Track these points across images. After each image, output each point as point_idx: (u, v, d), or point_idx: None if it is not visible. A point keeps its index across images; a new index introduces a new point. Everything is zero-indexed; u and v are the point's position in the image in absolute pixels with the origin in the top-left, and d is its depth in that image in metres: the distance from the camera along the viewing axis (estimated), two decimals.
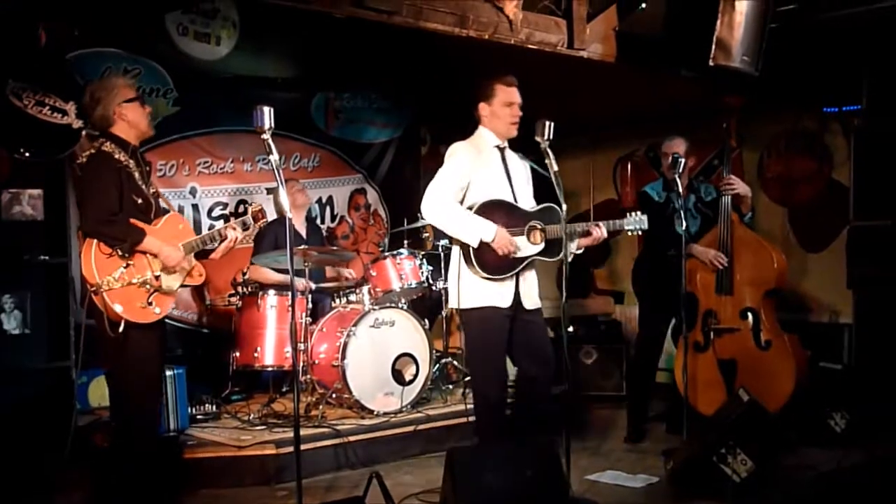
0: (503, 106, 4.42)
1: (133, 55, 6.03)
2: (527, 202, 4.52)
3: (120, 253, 3.81)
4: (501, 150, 4.52)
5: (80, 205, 4.01)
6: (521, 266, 4.39)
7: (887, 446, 5.03)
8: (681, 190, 5.19)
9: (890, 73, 5.81)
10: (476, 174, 4.39)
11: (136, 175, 3.97)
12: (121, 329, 3.79)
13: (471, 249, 4.29)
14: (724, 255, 5.34)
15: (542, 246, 4.40)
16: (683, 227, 5.07)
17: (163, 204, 4.18)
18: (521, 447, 4.08)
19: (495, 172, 4.45)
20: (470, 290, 4.37)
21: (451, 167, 4.39)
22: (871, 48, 5.65)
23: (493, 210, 4.33)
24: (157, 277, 3.90)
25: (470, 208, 4.32)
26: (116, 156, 3.91)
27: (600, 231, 4.50)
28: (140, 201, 3.94)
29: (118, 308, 3.78)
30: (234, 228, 4.25)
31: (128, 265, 3.84)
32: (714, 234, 5.43)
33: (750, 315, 5.32)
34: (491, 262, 4.31)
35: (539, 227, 4.41)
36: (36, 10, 4.93)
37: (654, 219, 4.80)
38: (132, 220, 3.86)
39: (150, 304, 3.88)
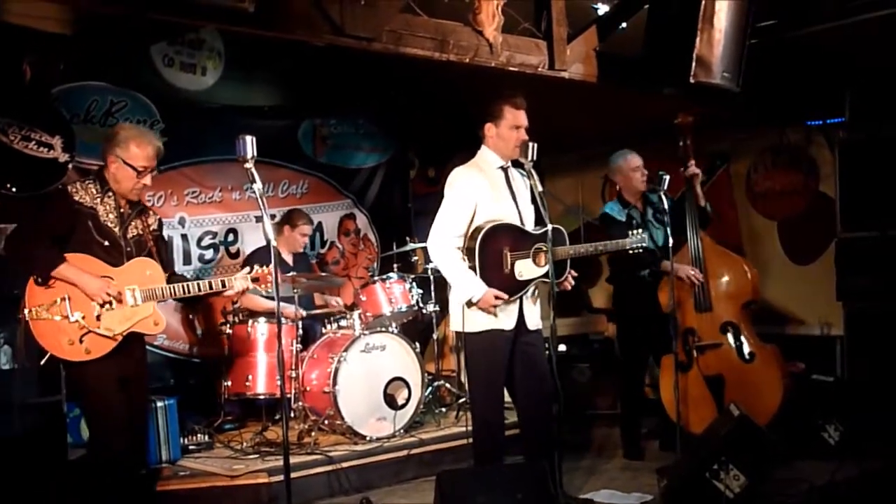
0: (510, 128, 4.36)
1: (119, 88, 6.05)
2: (531, 222, 4.47)
3: (35, 278, 3.77)
4: (505, 170, 4.48)
5: None
6: (527, 288, 4.36)
7: (881, 458, 5.02)
8: (665, 205, 5.06)
9: (871, 83, 5.85)
10: (481, 197, 4.34)
11: (111, 217, 3.97)
12: (42, 362, 3.76)
13: (476, 272, 4.25)
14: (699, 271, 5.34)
15: (546, 268, 4.32)
16: (671, 241, 5.03)
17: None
18: (510, 470, 4.06)
19: (501, 194, 4.41)
20: (475, 313, 4.31)
21: (451, 201, 4.36)
22: (852, 60, 5.69)
23: (499, 234, 4.30)
24: (97, 318, 3.82)
25: (477, 230, 4.29)
26: (78, 196, 3.89)
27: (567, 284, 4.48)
28: (106, 243, 3.91)
29: (41, 340, 3.75)
30: (227, 281, 4.12)
31: (63, 298, 3.78)
32: (685, 252, 5.42)
33: (730, 329, 5.33)
34: (496, 286, 4.26)
35: (545, 249, 4.34)
36: (20, 45, 4.96)
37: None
38: (69, 256, 3.81)
39: (80, 341, 3.79)
